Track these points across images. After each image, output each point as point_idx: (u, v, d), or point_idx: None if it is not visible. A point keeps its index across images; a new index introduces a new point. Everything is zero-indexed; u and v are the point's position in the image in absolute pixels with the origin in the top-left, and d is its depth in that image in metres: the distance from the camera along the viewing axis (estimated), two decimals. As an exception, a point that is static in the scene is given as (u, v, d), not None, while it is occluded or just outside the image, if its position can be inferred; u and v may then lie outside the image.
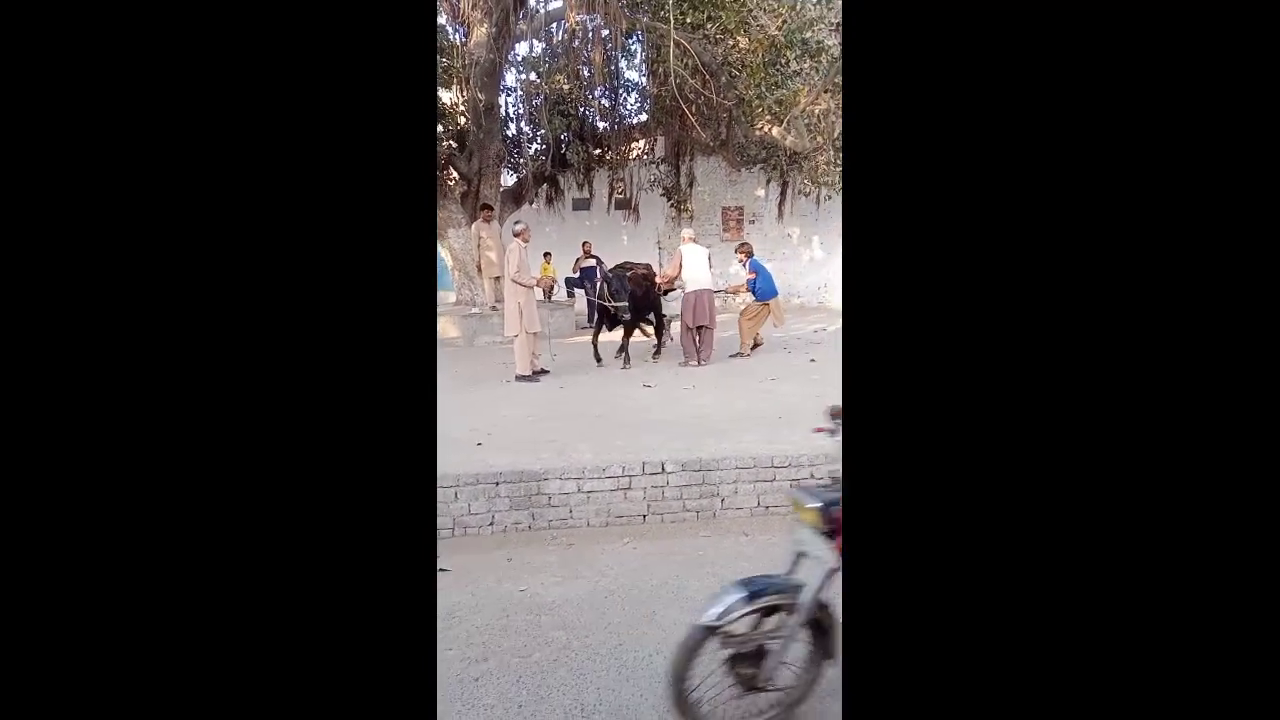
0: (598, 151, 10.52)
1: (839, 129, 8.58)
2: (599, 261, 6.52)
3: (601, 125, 10.50)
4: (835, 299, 12.13)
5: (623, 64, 10.23)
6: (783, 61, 8.01)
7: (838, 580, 1.59)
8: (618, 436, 3.93)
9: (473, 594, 2.66)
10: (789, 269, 12.71)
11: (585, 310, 8.52)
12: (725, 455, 3.58)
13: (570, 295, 10.57)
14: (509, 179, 10.63)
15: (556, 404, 4.97)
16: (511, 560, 3.04)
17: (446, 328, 8.46)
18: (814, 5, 8.08)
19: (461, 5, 8.12)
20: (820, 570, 1.67)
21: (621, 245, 12.12)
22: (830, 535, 1.64)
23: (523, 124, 10.43)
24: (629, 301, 6.37)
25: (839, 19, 7.75)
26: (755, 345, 7.03)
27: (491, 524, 3.41)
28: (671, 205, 12.00)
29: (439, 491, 3.37)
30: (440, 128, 8.83)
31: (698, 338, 6.57)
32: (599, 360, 6.58)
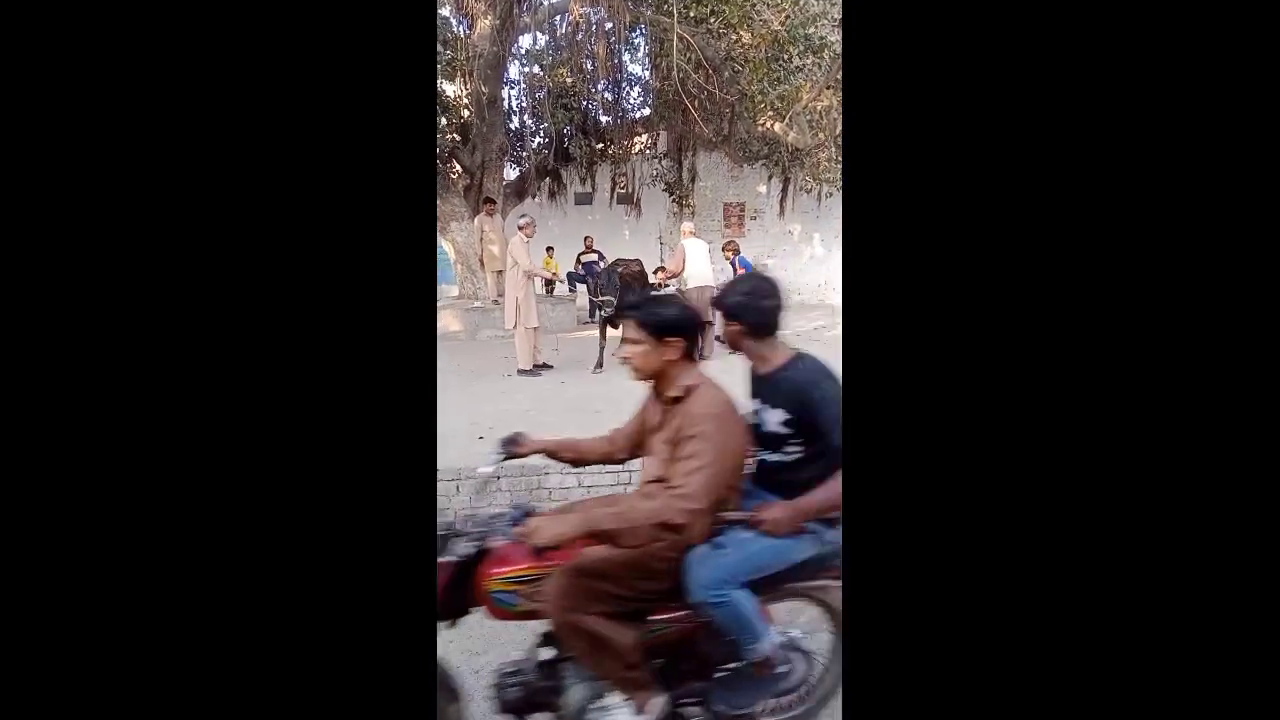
0: (600, 146, 10.49)
1: (841, 125, 8.54)
2: (600, 256, 6.47)
3: (604, 119, 10.47)
4: (836, 296, 12.10)
5: (626, 58, 10.20)
6: (785, 57, 7.97)
7: None
8: (618, 432, 3.94)
9: (473, 587, 2.67)
10: (790, 266, 12.67)
11: (587, 305, 8.51)
12: (725, 451, 3.58)
13: (572, 290, 10.56)
14: (512, 173, 10.60)
15: (557, 398, 4.98)
16: (512, 554, 3.04)
17: (449, 321, 8.46)
18: (817, 1, 8.04)
19: (465, -3, 8.09)
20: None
21: (623, 240, 12.10)
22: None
23: (526, 117, 10.40)
24: (619, 297, 6.27)
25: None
26: None
27: (492, 518, 3.41)
28: (674, 201, 11.98)
29: (441, 485, 3.38)
30: (444, 120, 8.80)
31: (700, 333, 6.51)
32: (607, 357, 6.38)
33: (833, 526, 1.64)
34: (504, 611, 1.62)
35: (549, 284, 10.59)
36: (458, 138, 9.17)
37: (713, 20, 7.82)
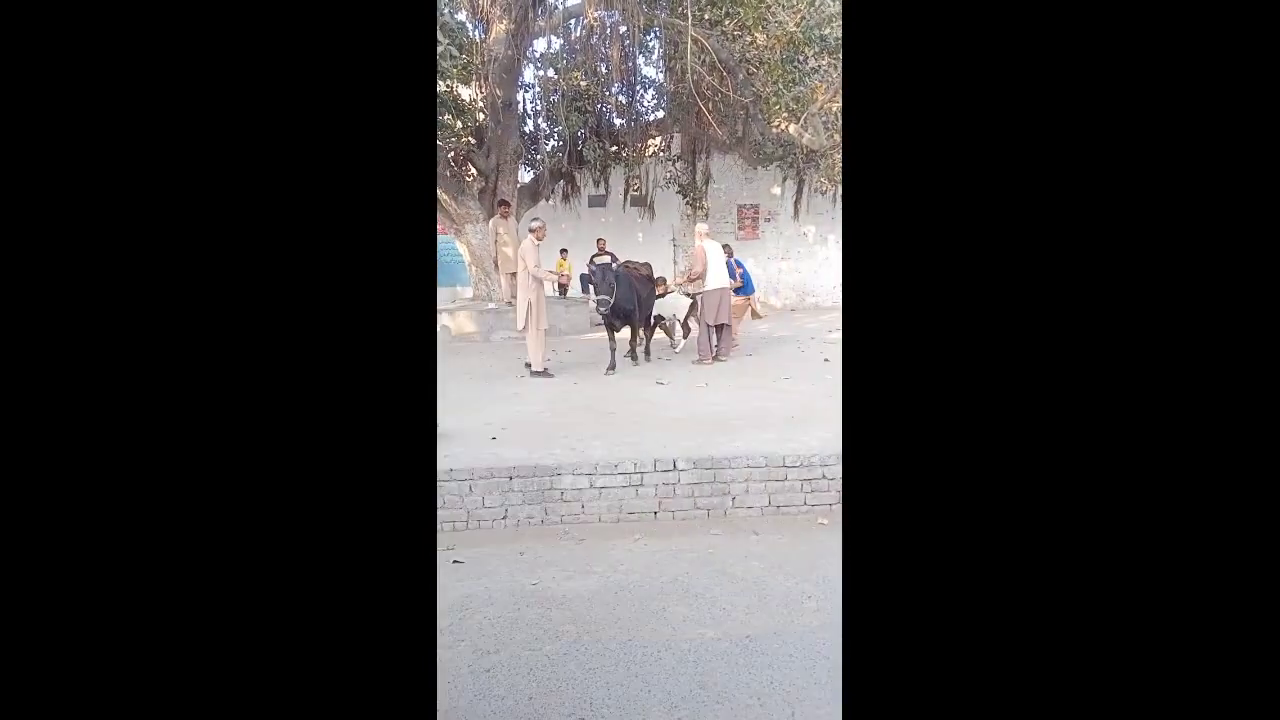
0: (614, 148, 10.52)
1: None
2: (613, 258, 6.44)
3: (618, 122, 10.50)
4: (850, 298, 12.01)
5: (640, 60, 10.23)
6: (800, 58, 7.96)
7: None
8: (630, 433, 3.95)
9: (485, 586, 2.69)
10: (804, 268, 12.64)
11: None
12: (737, 454, 3.59)
13: (585, 291, 10.60)
14: (526, 175, 10.67)
15: (570, 399, 5.00)
16: (524, 554, 3.07)
17: (463, 323, 8.52)
18: (832, 1, 8.02)
19: (481, 1, 8.15)
20: None
21: (636, 242, 12.11)
22: None
23: (540, 120, 10.46)
24: (634, 301, 6.14)
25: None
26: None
27: (505, 517, 3.44)
28: (687, 203, 11.98)
29: (454, 485, 3.41)
30: (459, 124, 8.88)
31: (717, 336, 6.56)
32: (619, 359, 6.29)
33: None
34: None
35: (562, 286, 10.64)
36: (473, 141, 9.25)
37: (727, 22, 7.83)
